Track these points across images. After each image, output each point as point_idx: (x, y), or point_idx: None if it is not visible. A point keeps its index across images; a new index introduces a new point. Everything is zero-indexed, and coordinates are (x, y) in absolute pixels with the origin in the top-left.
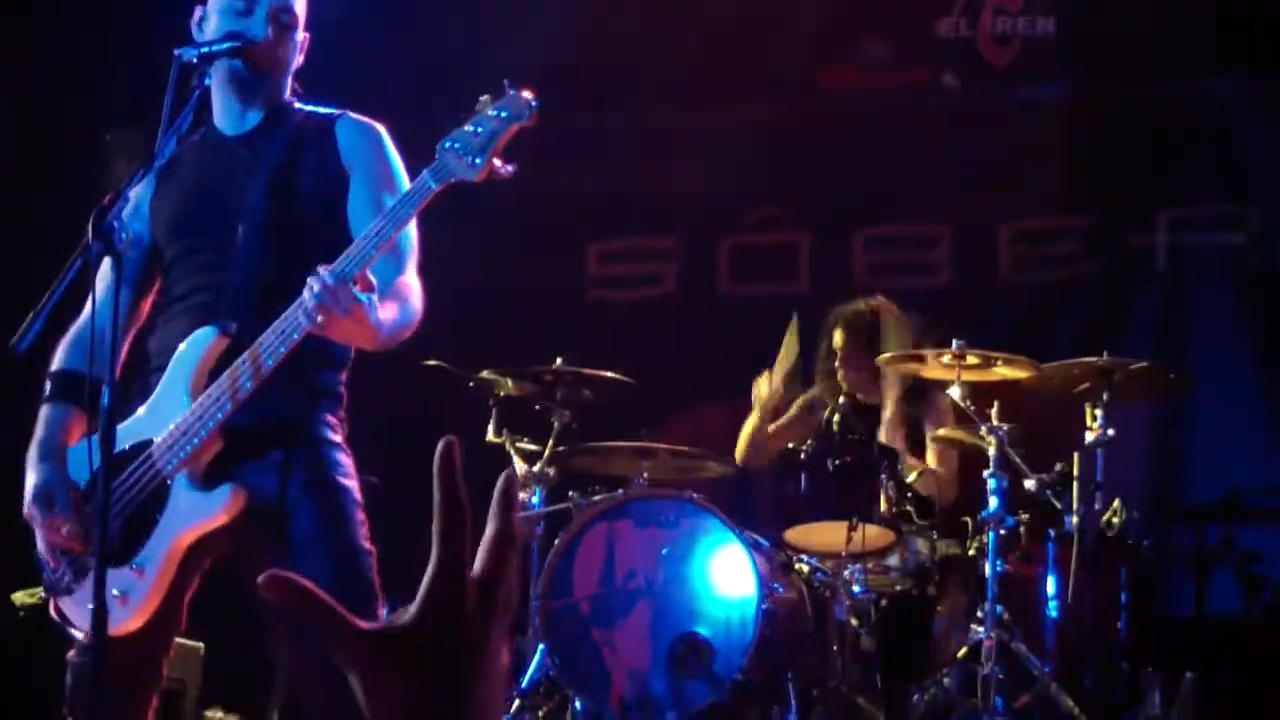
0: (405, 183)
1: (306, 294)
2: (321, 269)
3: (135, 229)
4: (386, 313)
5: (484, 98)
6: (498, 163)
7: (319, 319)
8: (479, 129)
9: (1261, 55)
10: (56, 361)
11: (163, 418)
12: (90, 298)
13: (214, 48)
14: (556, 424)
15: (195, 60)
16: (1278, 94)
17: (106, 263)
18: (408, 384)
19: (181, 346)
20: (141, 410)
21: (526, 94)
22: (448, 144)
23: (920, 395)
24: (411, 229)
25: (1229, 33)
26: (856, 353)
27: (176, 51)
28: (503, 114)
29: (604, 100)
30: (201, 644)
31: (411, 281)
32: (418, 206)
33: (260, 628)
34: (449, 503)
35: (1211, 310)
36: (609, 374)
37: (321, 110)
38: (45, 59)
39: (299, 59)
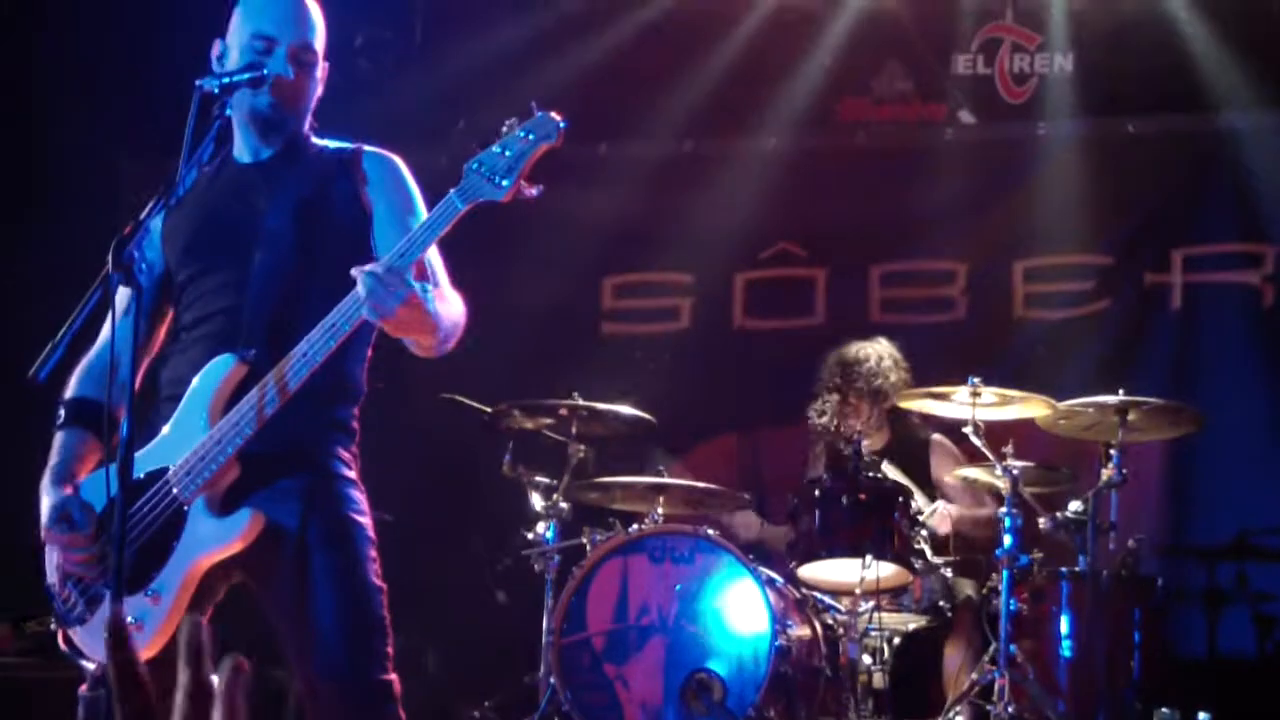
0: (424, 212)
1: (359, 287)
2: (373, 266)
3: (148, 256)
4: (443, 305)
5: (511, 120)
6: (524, 184)
7: (379, 303)
8: (506, 150)
9: (1278, 92)
10: (71, 389)
11: (179, 444)
12: (110, 325)
13: (235, 77)
14: (572, 458)
15: (216, 90)
16: None
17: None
18: (425, 418)
19: (200, 374)
20: (157, 438)
21: (554, 115)
22: (474, 165)
23: (919, 444)
24: (434, 253)
25: (1246, 70)
26: (857, 403)
27: (198, 81)
28: (530, 135)
29: (620, 133)
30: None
31: (450, 294)
32: (444, 226)
33: (269, 656)
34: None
35: (1226, 349)
36: (624, 409)
37: (340, 144)
38: (60, 85)
39: (319, 90)
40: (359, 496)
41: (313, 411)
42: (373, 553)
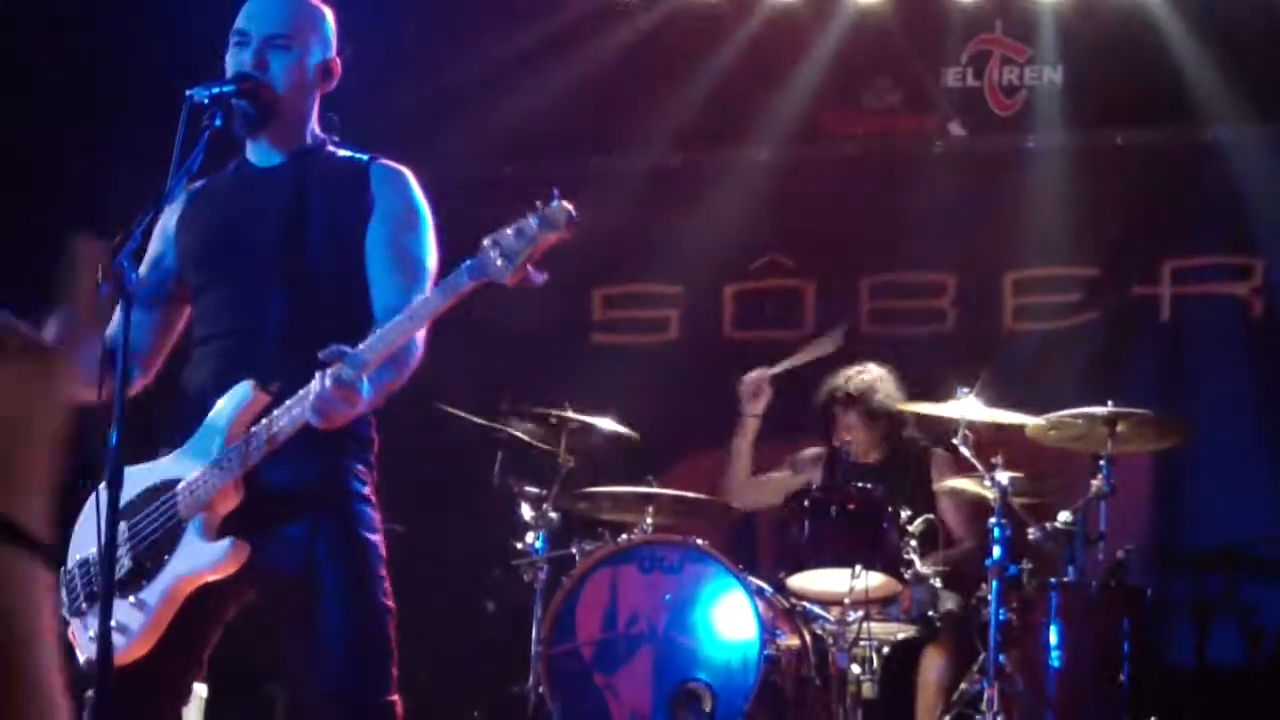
0: (427, 228)
1: (311, 389)
2: (332, 370)
3: (159, 248)
4: (379, 391)
5: (536, 202)
6: (531, 270)
7: (321, 417)
8: (518, 235)
9: (1267, 106)
10: None
11: (193, 461)
12: (123, 332)
13: (223, 89)
14: (561, 469)
15: (206, 100)
16: None
17: None
18: (415, 427)
19: (225, 396)
20: (174, 452)
21: (566, 205)
22: (488, 242)
23: (916, 457)
24: (433, 257)
25: (1235, 83)
26: (854, 426)
27: (188, 91)
28: (540, 224)
29: (610, 145)
30: (204, 686)
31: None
32: (449, 298)
33: (263, 672)
34: None
35: (1214, 360)
36: (612, 424)
37: (354, 154)
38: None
39: (326, 84)
40: (372, 514)
41: (330, 432)
42: (382, 571)
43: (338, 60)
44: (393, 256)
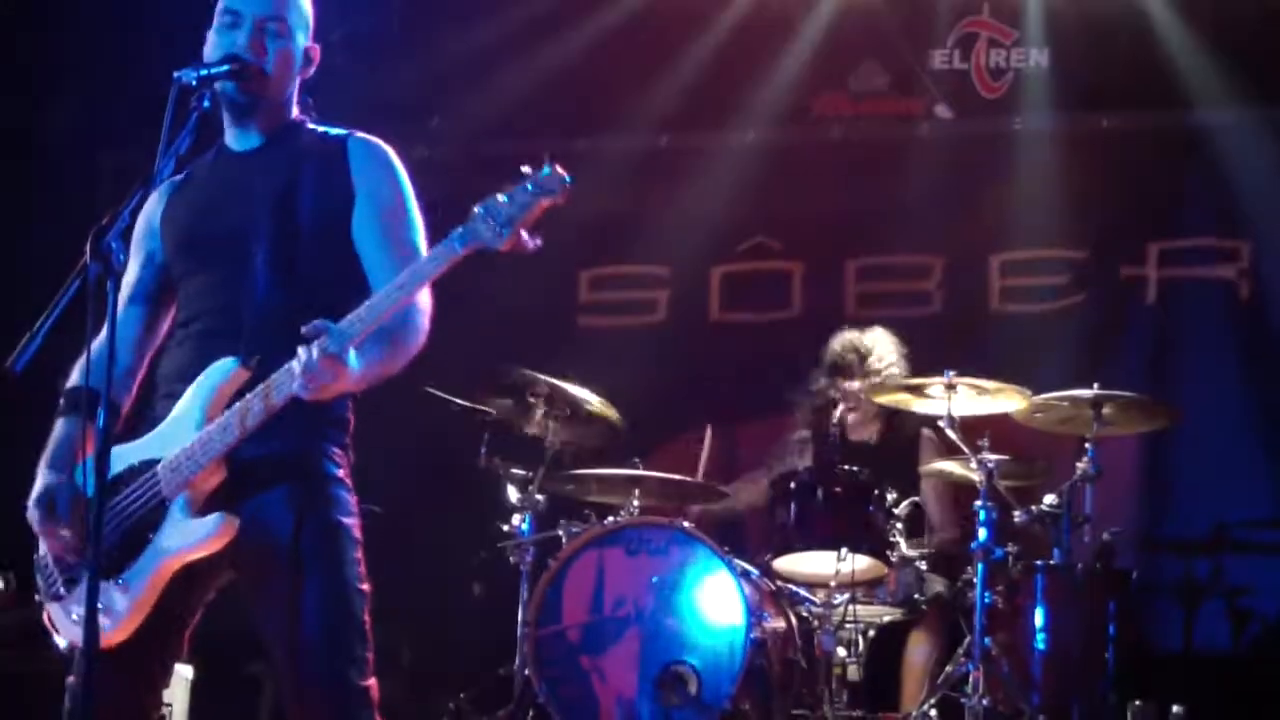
0: (412, 206)
1: (297, 363)
2: (317, 342)
3: (149, 246)
4: (370, 365)
5: (525, 168)
6: (524, 235)
7: (308, 389)
8: (511, 200)
9: (1253, 88)
10: (71, 379)
11: (174, 439)
12: (110, 315)
13: (213, 70)
14: (548, 451)
15: (194, 82)
16: (1269, 127)
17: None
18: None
19: (205, 372)
20: (154, 431)
21: (560, 170)
22: (480, 210)
23: (910, 438)
24: (421, 234)
25: (1221, 66)
26: (853, 392)
27: (176, 74)
28: (534, 189)
29: (597, 127)
30: (190, 667)
31: (422, 302)
32: (440, 266)
33: (248, 652)
34: None
35: (1201, 343)
36: (597, 404)
37: (332, 131)
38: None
39: (306, 70)
40: (347, 497)
41: (305, 411)
42: (358, 555)
43: (317, 47)
44: (385, 241)
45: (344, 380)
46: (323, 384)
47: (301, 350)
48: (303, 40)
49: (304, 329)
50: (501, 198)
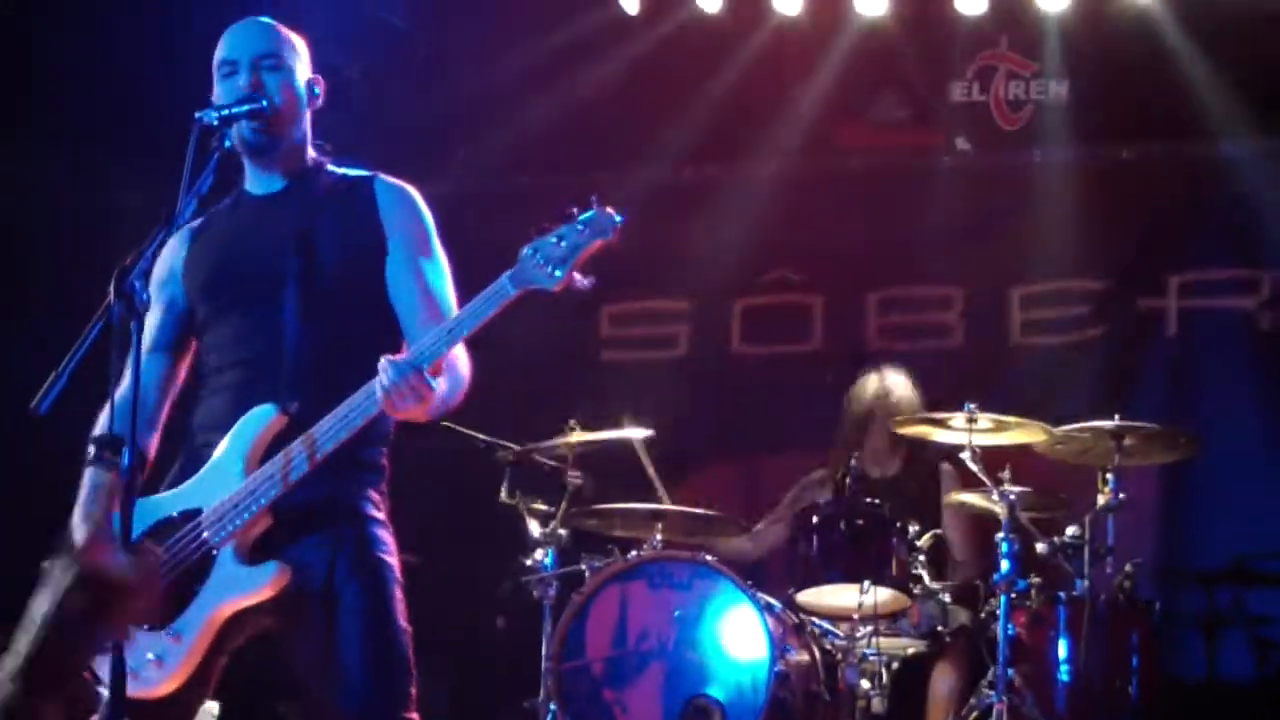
0: (439, 250)
1: (379, 382)
2: (392, 357)
3: (170, 292)
4: (443, 395)
5: (572, 209)
6: (577, 276)
7: (394, 404)
8: (562, 241)
9: (1273, 119)
10: (98, 426)
11: (214, 488)
12: (133, 361)
13: (234, 110)
14: (569, 486)
15: (215, 122)
16: None
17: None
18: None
19: (242, 420)
20: (191, 481)
21: (610, 211)
22: (529, 251)
23: (930, 471)
24: (449, 284)
25: (1241, 97)
26: (877, 432)
27: (197, 115)
28: (587, 230)
29: (617, 159)
30: (215, 704)
31: (459, 350)
32: (495, 309)
33: (274, 691)
34: None
35: (1221, 374)
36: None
37: (352, 172)
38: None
39: (314, 102)
40: (387, 537)
41: (342, 458)
42: (399, 593)
43: (320, 79)
44: (417, 287)
45: (428, 400)
46: (405, 402)
47: (380, 371)
48: (304, 73)
49: (380, 361)
50: (551, 239)
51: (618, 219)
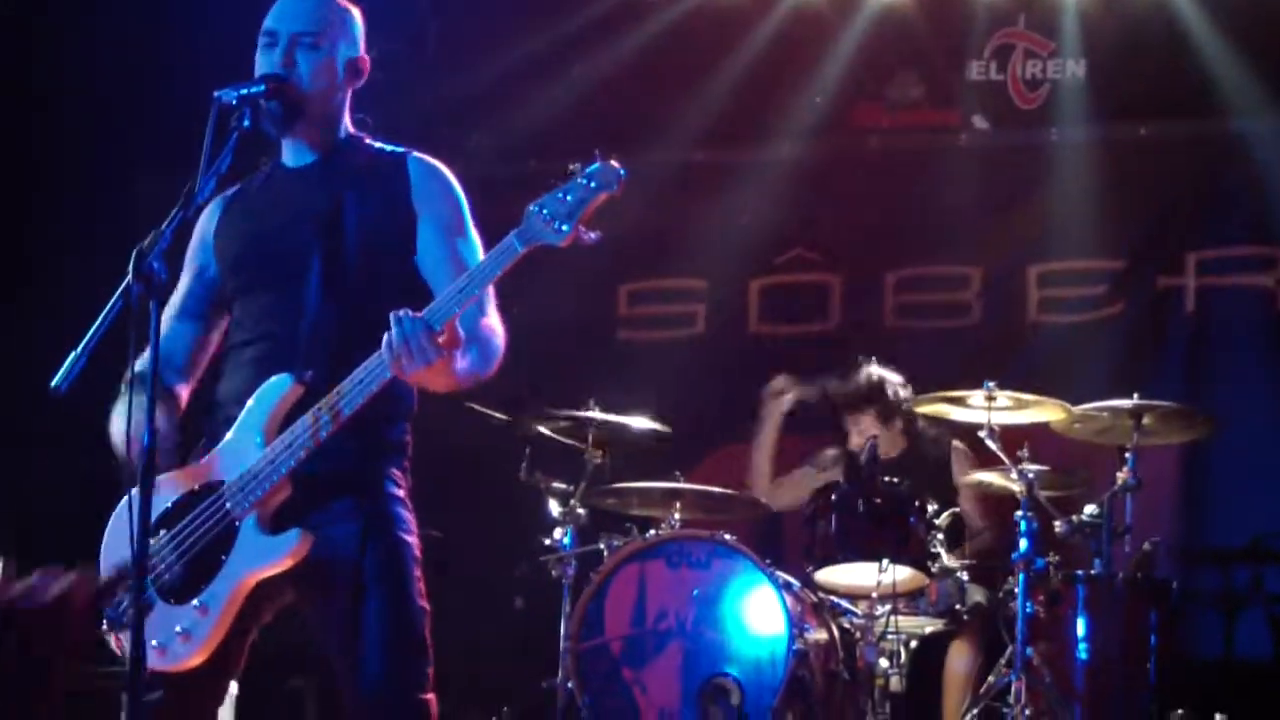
0: (472, 228)
1: (385, 339)
2: (400, 313)
3: (201, 260)
4: (463, 361)
5: (574, 165)
6: (583, 230)
7: (403, 365)
8: (567, 196)
9: None
10: (119, 402)
11: (234, 460)
12: (153, 339)
13: (251, 90)
14: (588, 465)
15: (234, 101)
16: None
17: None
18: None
19: (257, 392)
20: (213, 453)
21: (614, 164)
22: (535, 208)
23: (938, 451)
24: (480, 257)
25: (1259, 74)
26: (871, 426)
27: (216, 93)
28: (592, 183)
29: (635, 141)
30: (234, 682)
31: (494, 323)
32: (503, 267)
33: (291, 667)
34: None
35: (1240, 352)
36: (642, 421)
37: (388, 148)
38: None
39: (354, 81)
40: (408, 516)
41: (365, 433)
42: (418, 573)
43: (366, 58)
44: (453, 268)
45: (438, 366)
46: (415, 365)
47: (391, 325)
48: (347, 51)
49: (391, 316)
50: (558, 194)
51: (622, 172)
